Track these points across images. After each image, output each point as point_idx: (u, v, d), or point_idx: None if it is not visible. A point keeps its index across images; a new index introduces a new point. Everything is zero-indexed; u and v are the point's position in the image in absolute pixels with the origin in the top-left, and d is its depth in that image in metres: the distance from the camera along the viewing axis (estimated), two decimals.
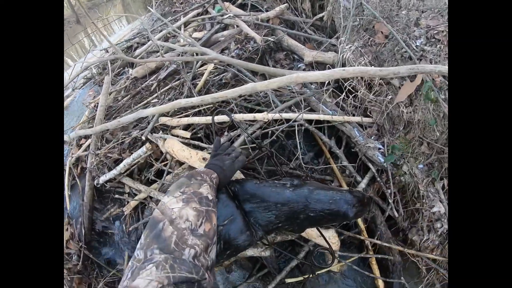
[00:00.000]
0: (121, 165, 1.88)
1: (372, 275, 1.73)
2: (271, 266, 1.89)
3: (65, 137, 2.33)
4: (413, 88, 1.57)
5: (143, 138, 1.89)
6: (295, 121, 1.83)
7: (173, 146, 1.79)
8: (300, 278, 1.81)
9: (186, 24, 3.44)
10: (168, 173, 1.85)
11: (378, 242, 1.71)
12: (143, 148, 1.82)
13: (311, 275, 1.75)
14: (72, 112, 3.20)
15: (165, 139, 1.87)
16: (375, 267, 1.75)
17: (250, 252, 1.66)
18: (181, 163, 1.88)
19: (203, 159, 1.70)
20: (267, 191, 1.35)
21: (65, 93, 3.52)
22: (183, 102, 1.64)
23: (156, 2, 4.73)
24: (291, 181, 1.40)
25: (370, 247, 1.77)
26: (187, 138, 1.86)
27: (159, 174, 1.94)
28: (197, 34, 3.11)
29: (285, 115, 1.86)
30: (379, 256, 1.73)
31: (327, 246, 1.50)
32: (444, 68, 1.19)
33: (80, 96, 3.31)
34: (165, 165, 1.89)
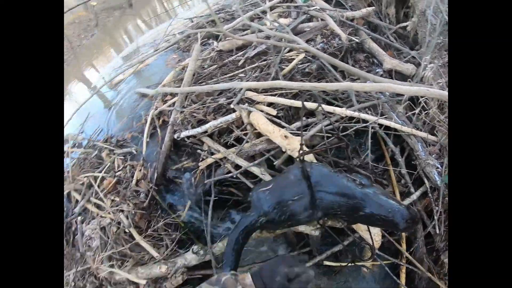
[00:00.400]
0: (207, 125, 2.09)
1: (398, 281, 1.80)
2: (315, 246, 2.04)
3: (153, 91, 2.57)
4: None
5: (232, 106, 2.07)
6: (367, 122, 1.94)
7: (259, 120, 1.97)
8: (338, 264, 1.94)
9: (271, 8, 3.59)
10: (247, 142, 2.03)
11: (410, 257, 1.79)
12: (233, 115, 2.01)
13: (349, 263, 1.88)
14: (152, 70, 3.48)
15: (250, 112, 2.04)
16: (403, 275, 1.83)
17: (302, 228, 1.81)
18: (259, 135, 2.06)
19: (285, 136, 1.86)
20: (339, 181, 1.51)
21: (147, 53, 3.82)
22: (283, 83, 1.81)
23: None
24: (361, 179, 1.54)
25: (404, 256, 1.85)
26: (271, 115, 2.02)
27: (237, 140, 2.13)
28: (283, 20, 3.24)
29: (363, 115, 1.97)
30: (410, 266, 1.81)
31: (370, 242, 1.61)
32: None
33: (161, 57, 3.57)
34: (244, 134, 2.07)
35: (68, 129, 3.28)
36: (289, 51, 2.59)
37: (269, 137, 1.93)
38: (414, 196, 1.87)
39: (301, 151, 1.58)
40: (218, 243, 1.89)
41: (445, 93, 1.58)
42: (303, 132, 1.84)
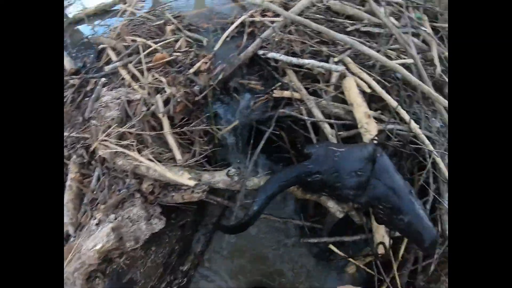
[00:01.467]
0: (305, 60, 1.96)
1: None
2: (326, 226, 2.03)
3: (259, 0, 2.38)
4: None
5: (335, 60, 1.96)
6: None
7: (352, 87, 1.89)
8: (344, 255, 1.94)
9: None
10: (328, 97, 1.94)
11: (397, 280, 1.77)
12: (338, 67, 1.91)
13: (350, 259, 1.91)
14: None
15: (345, 76, 1.94)
16: None
17: (330, 203, 1.79)
18: (343, 101, 1.97)
19: (368, 115, 1.79)
20: (397, 179, 1.52)
21: None
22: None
23: None
24: (411, 188, 1.56)
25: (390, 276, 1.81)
26: (362, 91, 1.91)
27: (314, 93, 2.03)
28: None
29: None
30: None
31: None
32: None
33: None
34: (326, 92, 1.97)
35: None
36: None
37: (352, 107, 1.84)
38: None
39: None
40: (254, 178, 1.80)
41: None
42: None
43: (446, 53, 2.86)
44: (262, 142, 1.84)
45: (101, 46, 2.53)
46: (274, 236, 2.26)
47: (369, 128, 1.78)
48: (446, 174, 1.82)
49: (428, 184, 1.86)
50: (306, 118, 1.88)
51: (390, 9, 3.39)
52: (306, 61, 1.94)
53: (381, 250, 1.74)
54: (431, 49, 2.76)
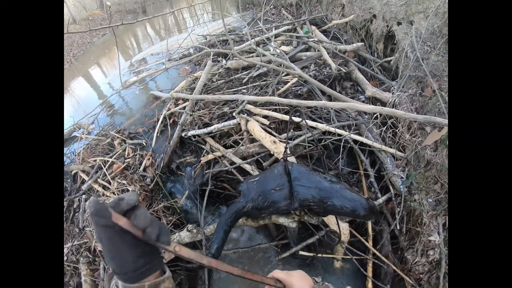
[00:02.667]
0: (212, 127, 2.53)
1: (365, 274, 2.17)
2: (291, 238, 2.46)
3: (168, 94, 3.01)
4: (438, 136, 2.05)
5: (234, 114, 2.52)
6: (344, 137, 2.39)
7: (254, 127, 2.42)
8: (311, 254, 2.34)
9: (276, 35, 4.11)
10: (242, 145, 2.47)
11: (378, 253, 2.18)
12: (235, 121, 2.46)
13: (321, 255, 2.30)
14: (165, 78, 3.96)
15: (248, 120, 2.49)
16: (370, 269, 2.20)
17: (281, 219, 2.22)
18: (253, 141, 2.50)
19: (274, 142, 2.30)
20: (313, 177, 1.92)
21: (161, 61, 4.28)
22: (275, 99, 2.26)
23: (248, 5, 5.44)
24: (331, 177, 1.96)
25: (371, 253, 2.24)
26: (264, 124, 2.47)
27: (234, 143, 2.57)
28: (284, 48, 3.75)
29: (339, 131, 2.43)
30: (376, 261, 2.18)
31: (339, 234, 2.01)
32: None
33: (173, 68, 4.05)
34: (241, 139, 2.51)
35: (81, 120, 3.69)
36: (285, 75, 3.06)
37: (261, 142, 2.37)
38: (380, 200, 2.29)
39: (285, 154, 2.02)
40: (209, 225, 2.29)
41: (395, 110, 2.05)
42: (289, 141, 2.30)
43: (340, 46, 3.47)
44: (205, 198, 2.35)
45: (73, 171, 3.11)
46: (259, 263, 2.67)
47: (278, 150, 2.29)
48: (370, 142, 2.35)
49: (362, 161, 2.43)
50: (229, 167, 2.40)
51: (281, 39, 4.08)
52: (213, 127, 2.51)
53: (345, 236, 2.10)
54: (322, 53, 3.34)
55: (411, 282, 2.05)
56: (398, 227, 2.22)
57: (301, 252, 2.37)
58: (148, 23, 10.23)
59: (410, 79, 2.61)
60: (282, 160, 2.07)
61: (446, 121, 1.74)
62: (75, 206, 2.83)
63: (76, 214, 2.74)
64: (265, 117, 2.59)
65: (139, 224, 0.58)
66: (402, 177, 2.26)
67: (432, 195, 2.08)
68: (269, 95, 2.75)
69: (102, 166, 2.89)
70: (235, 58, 3.37)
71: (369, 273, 2.18)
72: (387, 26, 3.40)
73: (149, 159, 2.78)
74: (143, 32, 9.29)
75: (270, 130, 2.49)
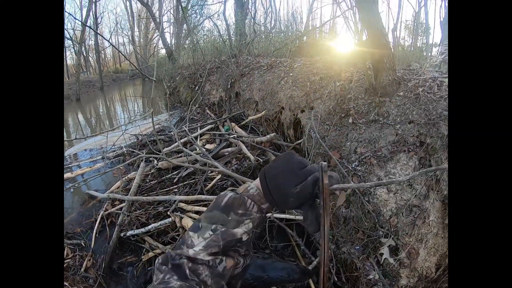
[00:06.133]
0: (149, 227, 2.92)
1: None
2: None
3: (104, 195, 3.35)
4: (344, 196, 2.58)
5: (168, 213, 2.97)
6: (269, 218, 2.93)
7: (188, 223, 2.88)
8: None
9: (201, 134, 4.80)
10: (179, 240, 2.89)
11: None
12: (169, 219, 2.90)
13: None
14: (100, 176, 4.27)
15: (182, 217, 2.96)
16: None
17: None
18: None
19: None
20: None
21: (95, 159, 4.60)
22: (202, 197, 2.80)
23: (176, 104, 6.16)
24: (263, 255, 2.42)
25: None
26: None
27: (172, 239, 2.97)
28: (209, 146, 4.43)
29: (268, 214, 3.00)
30: None
31: None
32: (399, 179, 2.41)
33: (108, 165, 4.41)
34: (178, 235, 2.94)
35: None
36: (211, 172, 3.67)
37: None
38: (315, 262, 2.53)
39: None
40: None
41: None
42: None
43: (257, 139, 4.19)
44: None
45: None
46: None
47: None
48: (293, 217, 2.87)
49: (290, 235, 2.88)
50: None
51: (206, 137, 4.76)
52: (150, 226, 2.91)
53: None
54: (241, 148, 4.01)
55: None
56: (336, 279, 2.40)
57: None
58: (80, 111, 10.38)
59: (317, 156, 3.19)
60: None
61: (348, 185, 2.40)
62: None
63: None
64: (197, 212, 3.08)
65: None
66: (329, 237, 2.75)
67: (357, 242, 2.41)
68: (198, 193, 3.29)
69: None
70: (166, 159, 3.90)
71: None
72: (294, 114, 4.16)
73: (90, 260, 2.99)
74: (74, 121, 9.35)
75: None
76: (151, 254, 2.85)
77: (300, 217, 2.89)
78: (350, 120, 3.07)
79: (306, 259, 2.76)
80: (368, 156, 2.66)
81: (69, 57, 22.82)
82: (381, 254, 2.32)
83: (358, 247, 2.40)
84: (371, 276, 2.25)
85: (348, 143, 2.91)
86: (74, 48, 20.41)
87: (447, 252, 2.16)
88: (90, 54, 23.98)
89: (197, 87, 6.52)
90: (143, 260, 2.85)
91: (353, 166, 2.69)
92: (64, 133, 8.49)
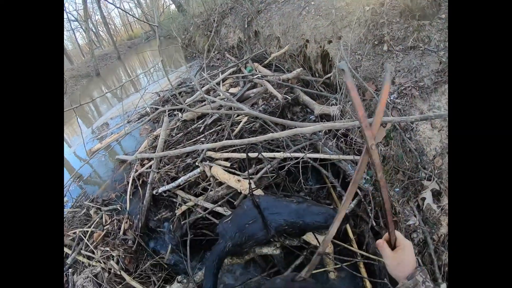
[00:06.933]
0: (179, 180, 2.72)
1: (360, 276, 2.21)
2: (279, 264, 2.62)
3: (133, 157, 3.19)
4: (384, 132, 2.32)
5: (197, 164, 2.74)
6: (302, 158, 2.64)
7: (218, 171, 2.64)
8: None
9: (223, 79, 4.44)
10: (211, 190, 2.68)
11: (365, 253, 2.27)
12: (198, 170, 2.67)
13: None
14: (129, 139, 4.14)
15: (211, 166, 2.72)
16: (363, 270, 2.27)
17: (265, 250, 2.37)
18: (220, 184, 2.71)
19: (238, 180, 2.53)
20: (280, 204, 2.12)
21: (121, 124, 4.47)
22: (229, 142, 2.51)
23: (195, 54, 5.79)
24: (297, 198, 2.17)
25: (359, 255, 2.30)
26: (227, 167, 2.70)
27: (204, 190, 2.77)
28: (232, 90, 4.07)
29: (295, 155, 2.69)
30: (367, 261, 2.24)
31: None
32: (389, 118, 2.02)
33: (133, 127, 4.25)
34: (208, 184, 2.72)
35: None
36: (237, 116, 3.35)
37: (227, 183, 2.58)
38: (352, 205, 2.42)
39: (250, 189, 2.23)
40: (198, 272, 2.42)
41: (335, 123, 2.33)
42: (252, 176, 2.53)
43: (283, 76, 3.80)
44: (188, 248, 2.49)
45: None
46: None
47: (244, 187, 2.51)
48: (327, 156, 2.59)
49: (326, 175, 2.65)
50: (203, 213, 2.58)
51: (229, 82, 4.40)
52: (180, 179, 2.72)
53: (329, 248, 2.24)
54: (267, 87, 3.65)
55: None
56: (374, 223, 2.27)
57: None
58: (103, 84, 10.40)
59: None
60: (248, 195, 2.24)
61: (389, 119, 2.02)
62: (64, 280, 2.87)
63: None
64: (226, 159, 2.82)
65: None
66: (365, 178, 2.43)
67: (397, 184, 2.24)
68: (226, 138, 3.00)
69: (83, 237, 2.97)
70: (189, 110, 3.63)
71: (364, 274, 2.25)
72: (320, 46, 3.76)
73: (127, 222, 2.90)
74: (99, 94, 9.40)
75: (233, 170, 2.72)
76: (184, 207, 2.68)
77: (336, 156, 2.61)
78: (385, 48, 2.73)
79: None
80: (408, 87, 2.35)
81: (79, 37, 22.86)
82: (423, 199, 2.08)
83: (397, 189, 2.21)
84: (410, 222, 2.09)
85: (384, 73, 2.56)
86: (82, 28, 20.31)
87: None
88: (99, 28, 23.79)
89: (212, 33, 6.03)
90: (177, 214, 2.69)
91: (391, 98, 2.41)
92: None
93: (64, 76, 11.72)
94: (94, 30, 22.14)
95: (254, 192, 2.28)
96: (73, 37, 23.10)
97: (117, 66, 14.33)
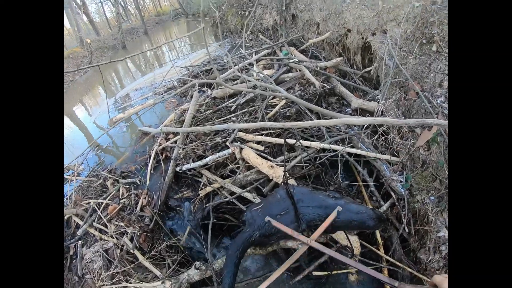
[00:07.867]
0: (207, 159, 2.51)
1: (383, 281, 2.12)
2: (302, 260, 2.41)
3: (157, 129, 3.00)
4: (429, 135, 2.11)
5: (227, 144, 2.52)
6: (339, 152, 2.41)
7: (249, 154, 2.42)
8: (325, 273, 2.30)
9: (257, 60, 4.19)
10: (239, 173, 2.46)
11: (391, 259, 2.16)
12: (229, 150, 2.46)
13: (335, 272, 2.26)
14: (150, 114, 3.96)
15: (242, 148, 2.50)
16: (386, 275, 2.11)
17: (290, 243, 2.18)
18: (249, 168, 2.49)
19: (271, 167, 2.31)
20: (316, 197, 1.91)
21: (147, 95, 4.29)
22: (268, 124, 2.28)
23: (225, 33, 5.54)
24: (334, 193, 1.96)
25: (385, 260, 2.20)
26: (259, 150, 2.47)
27: (231, 172, 2.55)
28: (267, 72, 3.82)
29: (333, 147, 2.46)
30: (391, 267, 2.14)
31: (350, 246, 2.01)
32: (442, 121, 1.75)
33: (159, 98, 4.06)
34: (237, 168, 2.51)
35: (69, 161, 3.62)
36: (272, 98, 3.11)
37: (258, 168, 2.36)
38: (384, 207, 2.28)
39: (284, 177, 2.01)
40: (217, 259, 2.23)
41: (386, 119, 2.10)
42: (286, 164, 2.30)
43: (320, 64, 3.55)
44: (209, 232, 2.30)
45: (66, 216, 3.00)
46: None
47: (277, 175, 2.29)
48: (364, 153, 2.39)
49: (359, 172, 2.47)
50: (229, 197, 2.37)
51: (262, 63, 4.16)
52: (207, 159, 2.50)
53: (356, 249, 2.08)
54: (305, 73, 3.41)
55: (429, 280, 2.02)
56: (406, 230, 2.20)
57: (315, 272, 2.32)
58: (129, 58, 10.26)
59: (392, 85, 2.68)
60: (282, 184, 2.05)
61: (436, 121, 1.79)
62: (71, 253, 2.71)
63: (73, 261, 2.62)
64: (258, 142, 2.60)
65: None
66: (401, 181, 2.28)
67: (433, 192, 2.09)
68: (259, 120, 2.77)
69: (96, 208, 2.80)
70: (220, 87, 3.40)
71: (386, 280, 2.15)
72: (362, 38, 3.51)
73: (145, 198, 2.72)
74: (124, 68, 9.31)
75: (265, 155, 2.50)
76: (209, 188, 2.48)
77: (373, 154, 2.44)
78: (434, 48, 2.50)
79: (372, 202, 2.39)
80: None
81: (108, 10, 22.79)
82: None
83: (432, 198, 2.08)
84: (441, 234, 1.97)
85: (431, 75, 2.40)
86: (110, 1, 20.24)
87: None
88: (128, 2, 23.67)
89: (247, 13, 5.76)
90: (200, 195, 2.49)
91: (438, 101, 2.23)
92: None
93: (90, 47, 11.66)
94: (123, 4, 22.09)
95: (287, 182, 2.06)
96: (101, 10, 23.07)
97: (144, 41, 14.21)
